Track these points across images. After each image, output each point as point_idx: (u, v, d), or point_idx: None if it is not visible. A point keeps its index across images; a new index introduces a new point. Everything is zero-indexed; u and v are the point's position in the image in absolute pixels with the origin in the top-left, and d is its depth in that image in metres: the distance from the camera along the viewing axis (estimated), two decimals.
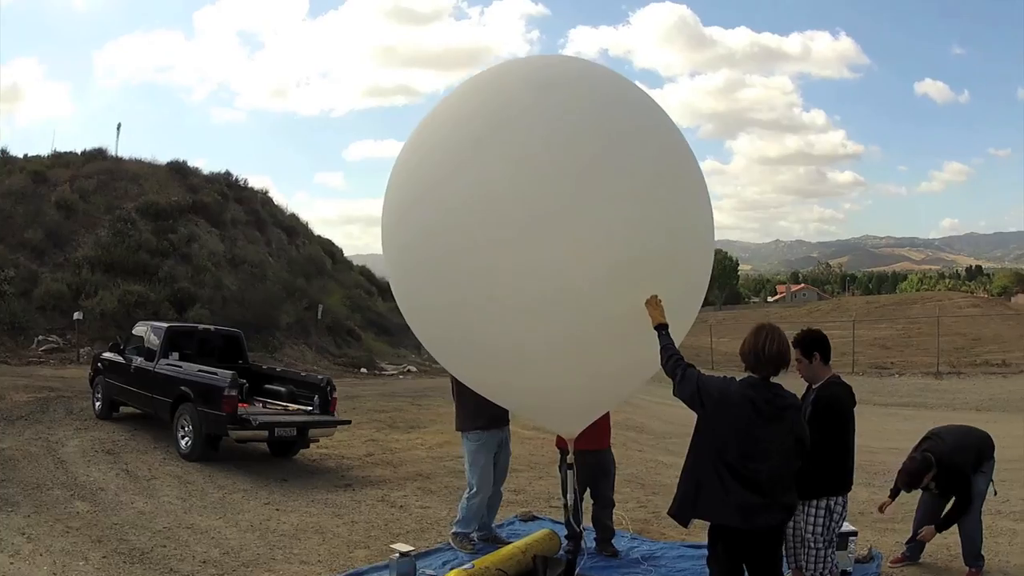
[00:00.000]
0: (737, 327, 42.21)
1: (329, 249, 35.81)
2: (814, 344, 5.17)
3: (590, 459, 6.29)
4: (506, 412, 6.65)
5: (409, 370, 27.13)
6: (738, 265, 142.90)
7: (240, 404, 9.75)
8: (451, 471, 10.34)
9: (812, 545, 5.05)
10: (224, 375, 9.62)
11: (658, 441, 13.93)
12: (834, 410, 5.02)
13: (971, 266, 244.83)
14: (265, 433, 9.62)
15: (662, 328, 4.46)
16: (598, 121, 4.35)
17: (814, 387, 5.15)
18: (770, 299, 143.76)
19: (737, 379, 4.31)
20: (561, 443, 6.38)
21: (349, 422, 11.35)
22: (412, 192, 4.54)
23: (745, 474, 4.11)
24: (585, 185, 4.19)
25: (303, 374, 12.27)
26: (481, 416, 6.50)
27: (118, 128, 30.86)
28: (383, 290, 42.85)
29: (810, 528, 5.04)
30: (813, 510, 5.02)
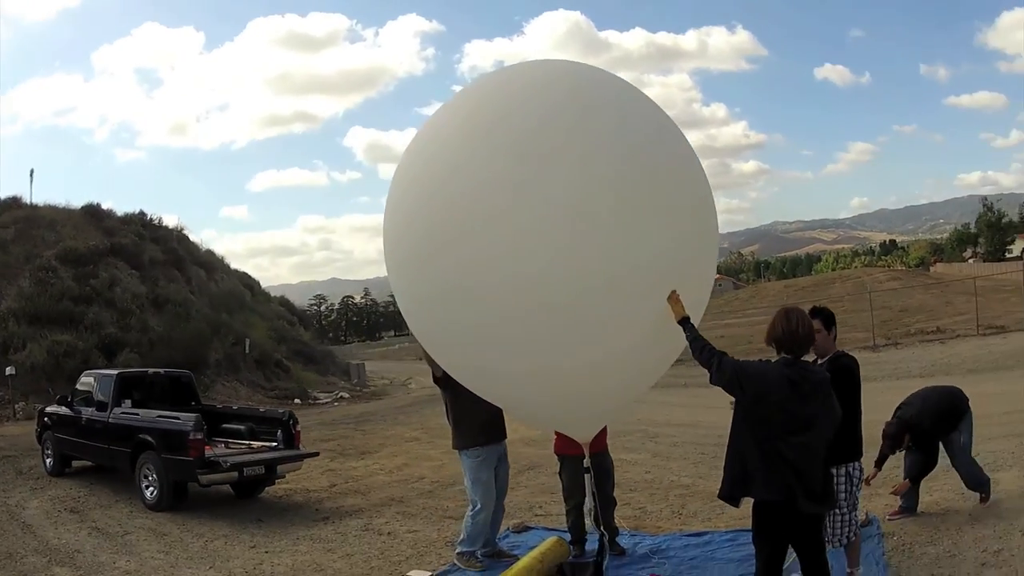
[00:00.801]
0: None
1: (247, 282, 35.13)
2: (832, 318, 5.39)
3: (594, 461, 6.28)
4: (503, 426, 6.57)
5: (342, 396, 26.77)
6: None
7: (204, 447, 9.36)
8: (423, 492, 10.23)
9: (838, 511, 5.17)
10: (187, 418, 9.26)
11: (615, 440, 13.99)
12: (849, 380, 5.16)
13: (885, 241, 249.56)
14: (235, 475, 9.25)
15: (686, 321, 4.57)
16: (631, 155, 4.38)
17: (821, 360, 5.26)
18: None
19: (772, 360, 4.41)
20: (565, 449, 6.35)
21: (317, 454, 11.10)
22: (451, 230, 4.39)
23: (787, 450, 4.23)
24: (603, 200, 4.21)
25: (262, 410, 11.93)
26: (480, 432, 6.40)
27: (31, 175, 29.61)
28: (303, 319, 42.28)
29: (840, 495, 5.15)
30: (835, 477, 5.09)
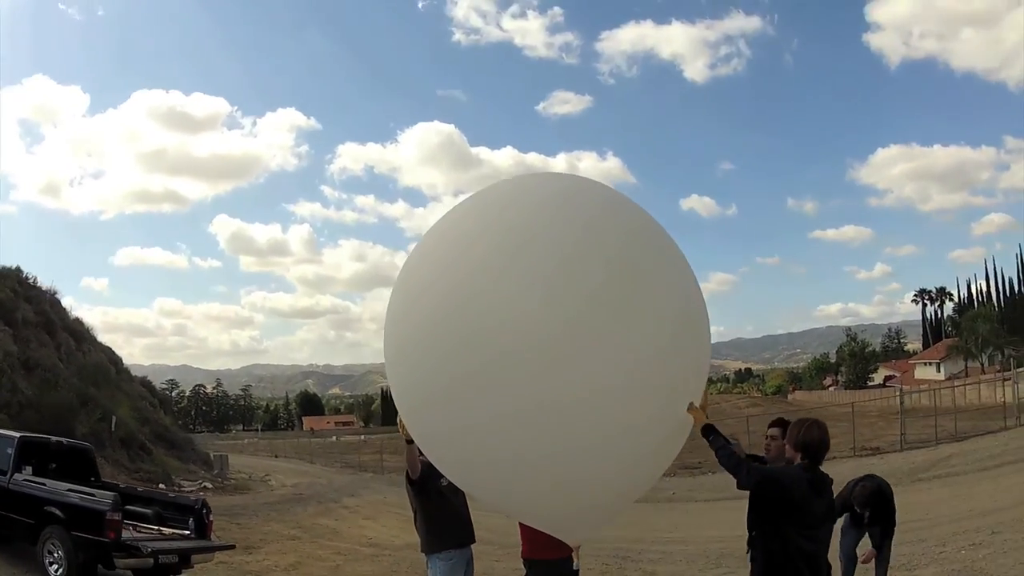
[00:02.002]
0: None
1: (112, 357, 33.09)
2: None
3: (563, 568, 6.01)
4: (472, 529, 6.26)
5: (206, 487, 25.23)
6: None
7: None
8: None
9: None
10: (104, 495, 8.48)
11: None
12: None
13: (740, 369, 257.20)
14: (151, 562, 8.43)
15: (709, 431, 4.58)
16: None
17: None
18: None
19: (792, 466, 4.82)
20: (536, 553, 5.84)
21: (233, 546, 10.30)
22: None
23: (807, 543, 4.64)
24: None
25: (171, 495, 11.06)
26: (452, 535, 6.09)
27: None
28: (164, 403, 40.06)
29: None
30: None
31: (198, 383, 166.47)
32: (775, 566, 4.71)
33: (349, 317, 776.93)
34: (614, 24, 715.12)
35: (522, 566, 6.12)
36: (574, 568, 5.06)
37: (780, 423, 5.62)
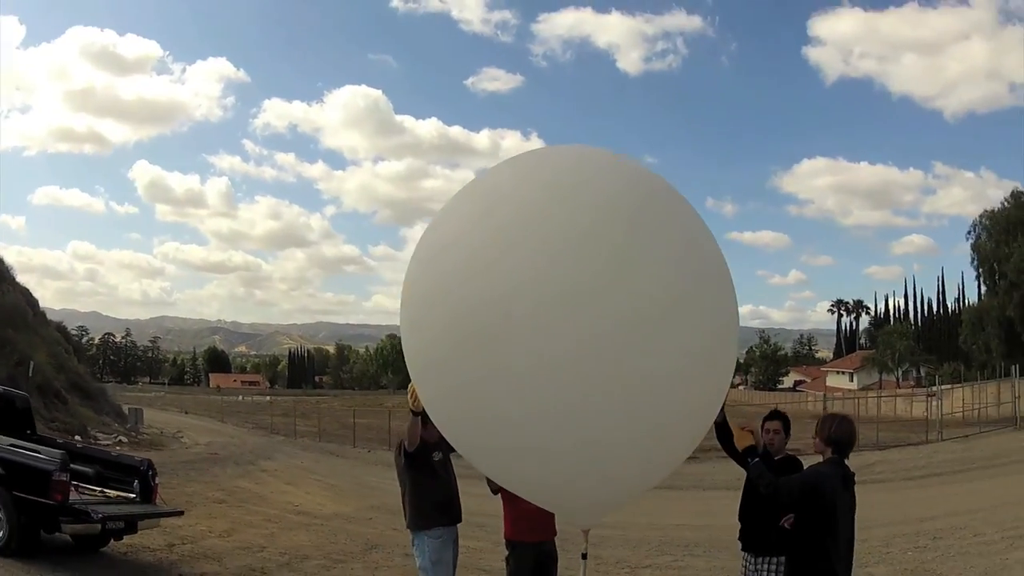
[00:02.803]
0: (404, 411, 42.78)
1: (29, 300, 31.60)
2: (789, 422, 5.63)
3: (547, 548, 5.91)
4: (460, 506, 6.07)
5: (121, 441, 24.35)
6: None
7: None
8: (281, 564, 9.46)
9: None
10: (51, 454, 7.93)
11: None
12: None
13: None
14: (98, 528, 7.91)
15: (750, 454, 4.84)
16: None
17: (777, 456, 5.43)
18: None
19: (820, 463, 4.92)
20: (521, 535, 5.82)
21: (182, 512, 9.80)
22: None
23: (839, 534, 4.71)
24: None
25: (113, 453, 10.42)
26: (443, 511, 5.90)
27: None
28: (77, 349, 38.51)
29: None
30: (773, 566, 5.26)
31: (107, 331, 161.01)
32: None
33: (259, 275, 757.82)
34: (553, 7, 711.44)
35: (504, 548, 6.03)
36: (582, 553, 4.91)
37: (778, 415, 5.61)
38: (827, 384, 79.55)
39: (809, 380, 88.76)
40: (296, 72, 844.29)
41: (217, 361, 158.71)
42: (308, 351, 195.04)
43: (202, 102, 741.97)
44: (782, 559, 5.10)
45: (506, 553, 6.01)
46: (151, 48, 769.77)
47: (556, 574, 6.12)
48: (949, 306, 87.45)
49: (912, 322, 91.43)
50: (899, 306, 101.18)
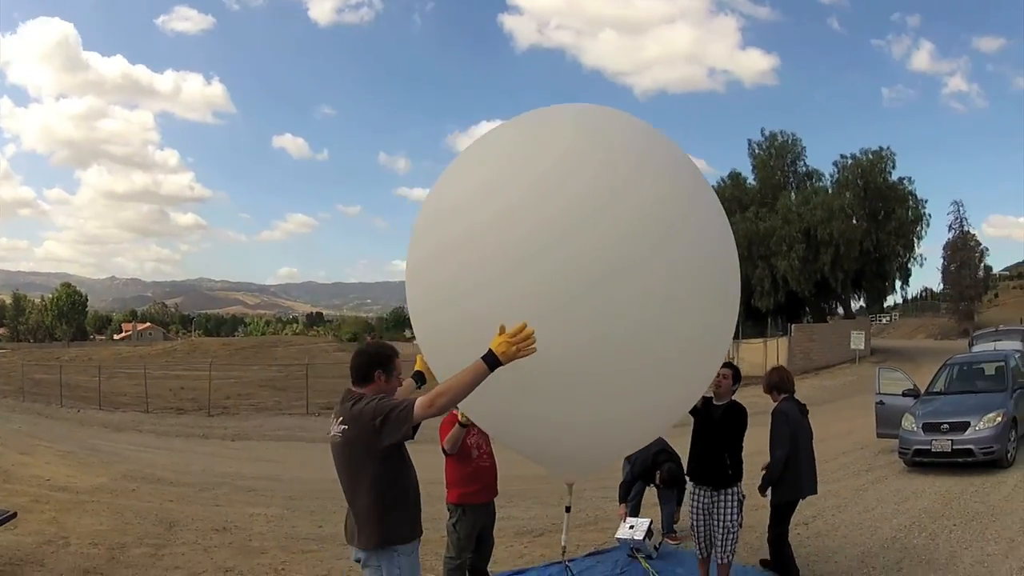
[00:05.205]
0: (90, 367, 39.84)
1: None
2: (739, 373, 5.94)
3: (491, 509, 5.86)
4: None
5: None
6: (87, 301, 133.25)
7: None
8: (108, 559, 7.73)
9: (731, 529, 5.68)
10: None
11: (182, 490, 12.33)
12: (742, 419, 5.81)
13: (311, 312, 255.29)
14: None
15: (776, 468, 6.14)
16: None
17: (719, 402, 5.80)
18: (116, 337, 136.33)
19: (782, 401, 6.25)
20: (472, 498, 5.62)
21: (15, 514, 8.02)
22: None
23: (809, 454, 6.22)
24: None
25: None
26: (417, 521, 4.14)
27: None
28: None
29: (730, 514, 5.68)
30: (731, 498, 5.70)
31: None
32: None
33: None
34: None
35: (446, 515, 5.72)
36: (566, 506, 4.89)
37: (730, 366, 5.88)
38: None
39: None
40: None
41: None
42: None
43: None
44: (734, 489, 5.69)
45: (452, 520, 5.65)
46: None
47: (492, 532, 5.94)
48: None
49: None
50: None
